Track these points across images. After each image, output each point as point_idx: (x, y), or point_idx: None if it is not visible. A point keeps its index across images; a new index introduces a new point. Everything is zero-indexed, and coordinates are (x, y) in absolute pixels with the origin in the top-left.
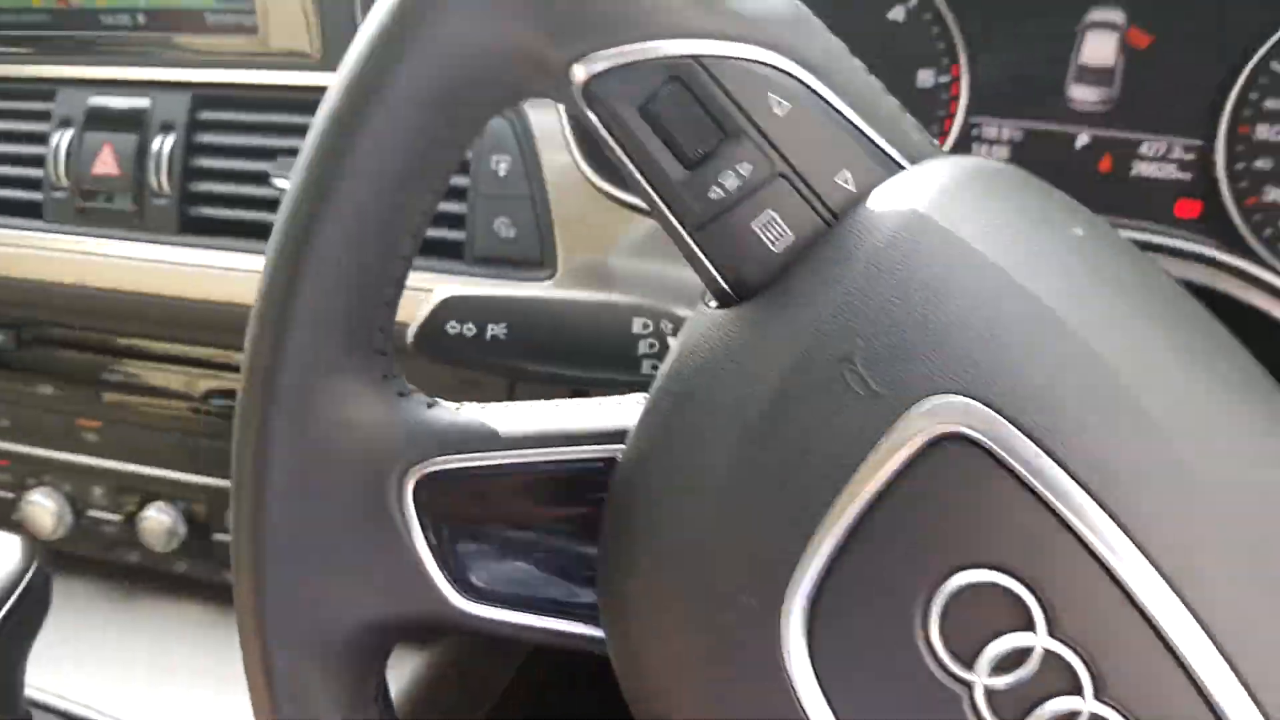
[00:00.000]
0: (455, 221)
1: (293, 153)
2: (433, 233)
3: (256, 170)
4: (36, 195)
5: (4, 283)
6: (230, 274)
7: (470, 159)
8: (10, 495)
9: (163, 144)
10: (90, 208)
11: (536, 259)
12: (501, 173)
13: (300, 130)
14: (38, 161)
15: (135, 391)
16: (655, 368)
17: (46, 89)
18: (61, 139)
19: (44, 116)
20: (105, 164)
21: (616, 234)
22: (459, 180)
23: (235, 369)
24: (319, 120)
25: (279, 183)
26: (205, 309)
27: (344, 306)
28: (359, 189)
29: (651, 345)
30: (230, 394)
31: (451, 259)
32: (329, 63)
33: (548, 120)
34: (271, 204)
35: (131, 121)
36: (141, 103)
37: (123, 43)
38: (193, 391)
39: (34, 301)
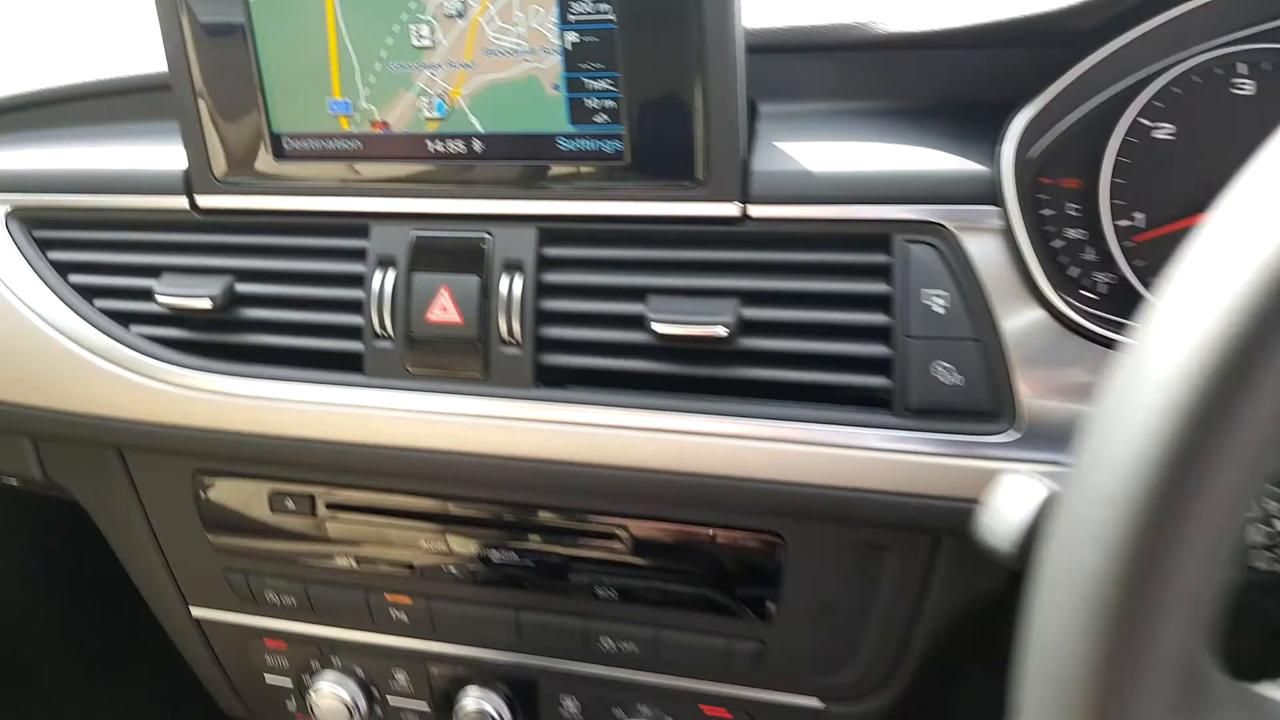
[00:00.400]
0: (872, 366)
1: (666, 292)
2: (848, 379)
3: (616, 313)
4: (355, 345)
5: (318, 446)
6: (591, 431)
7: (893, 295)
8: (287, 682)
9: (510, 285)
10: (424, 359)
11: (989, 409)
12: (938, 310)
13: (669, 267)
14: (353, 307)
15: (455, 560)
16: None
17: (358, 224)
18: (384, 281)
19: (357, 255)
20: (443, 309)
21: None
22: (863, 317)
23: (588, 534)
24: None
25: None
26: (561, 471)
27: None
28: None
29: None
30: (582, 563)
31: (874, 409)
32: (713, 192)
33: (988, 248)
34: (633, 349)
35: (470, 260)
36: (481, 238)
37: (453, 174)
38: (532, 559)
39: (351, 466)
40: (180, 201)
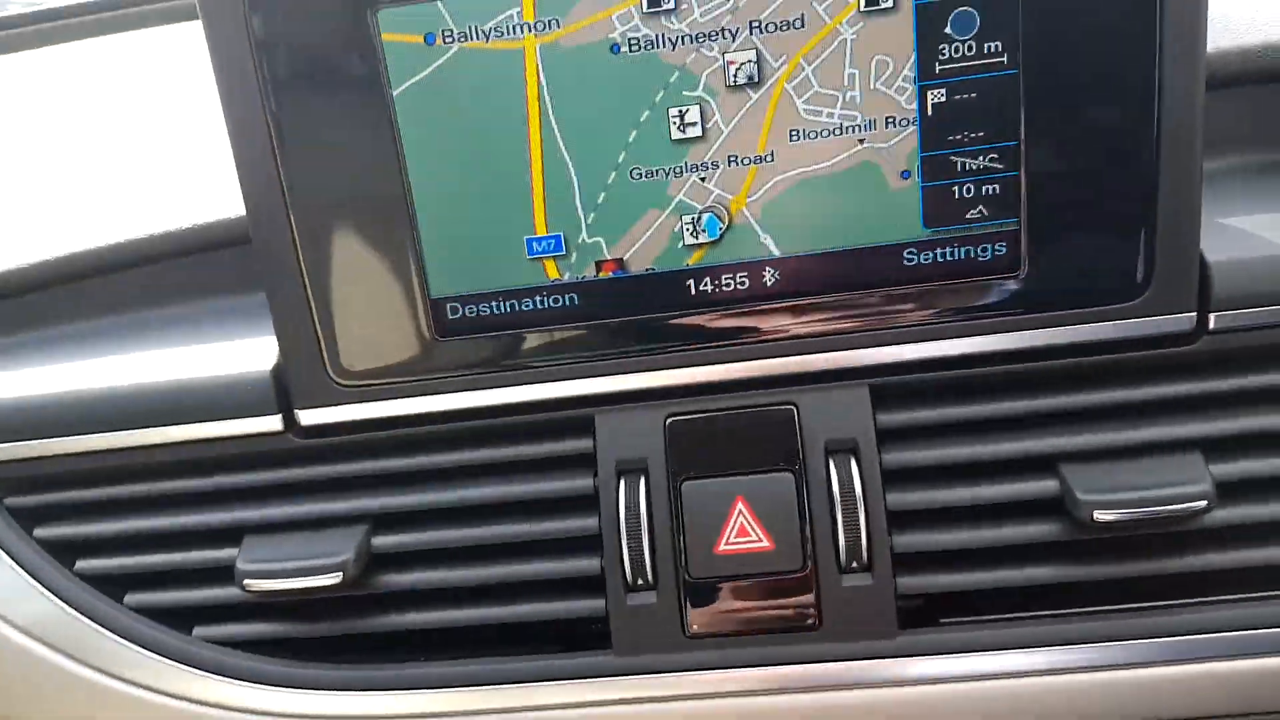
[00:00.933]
0: None
1: (1086, 457)
2: None
3: (1013, 497)
4: (594, 605)
5: None
6: (1006, 689)
7: None
8: None
9: (835, 479)
10: (715, 614)
11: None
12: None
13: (1087, 418)
14: (584, 546)
15: None
16: None
17: (577, 417)
18: (631, 498)
19: (580, 464)
20: (741, 532)
21: None
22: None
23: None
24: None
25: None
26: None
27: None
28: None
29: None
30: None
31: None
32: (1159, 302)
33: None
34: (1045, 552)
35: (772, 447)
36: (784, 411)
37: (731, 324)
38: None
39: None
40: (267, 423)
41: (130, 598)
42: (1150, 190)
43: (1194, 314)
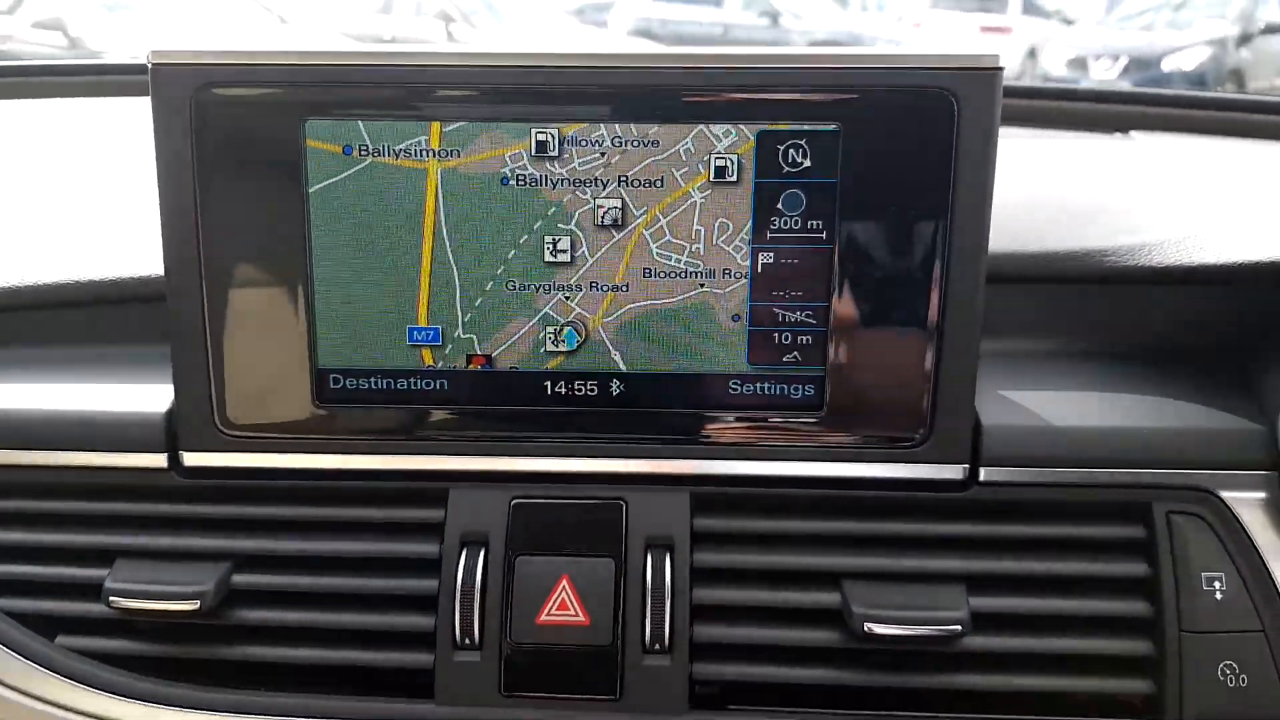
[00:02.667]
0: (1133, 668)
1: (867, 576)
2: (1104, 685)
3: (800, 605)
4: (422, 659)
5: None
6: None
7: (1155, 578)
8: None
9: (650, 570)
10: (528, 677)
11: (1277, 717)
12: (1217, 595)
13: (871, 545)
14: (421, 604)
15: None
16: None
17: (431, 489)
18: (469, 567)
19: (428, 531)
20: (562, 608)
21: None
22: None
23: None
24: None
25: None
26: None
27: None
28: None
29: None
30: None
31: None
32: (937, 452)
33: (1265, 520)
34: (823, 655)
35: (599, 536)
36: (614, 505)
37: (578, 423)
38: None
39: None
40: (153, 459)
41: (3, 602)
42: (935, 359)
43: (966, 465)
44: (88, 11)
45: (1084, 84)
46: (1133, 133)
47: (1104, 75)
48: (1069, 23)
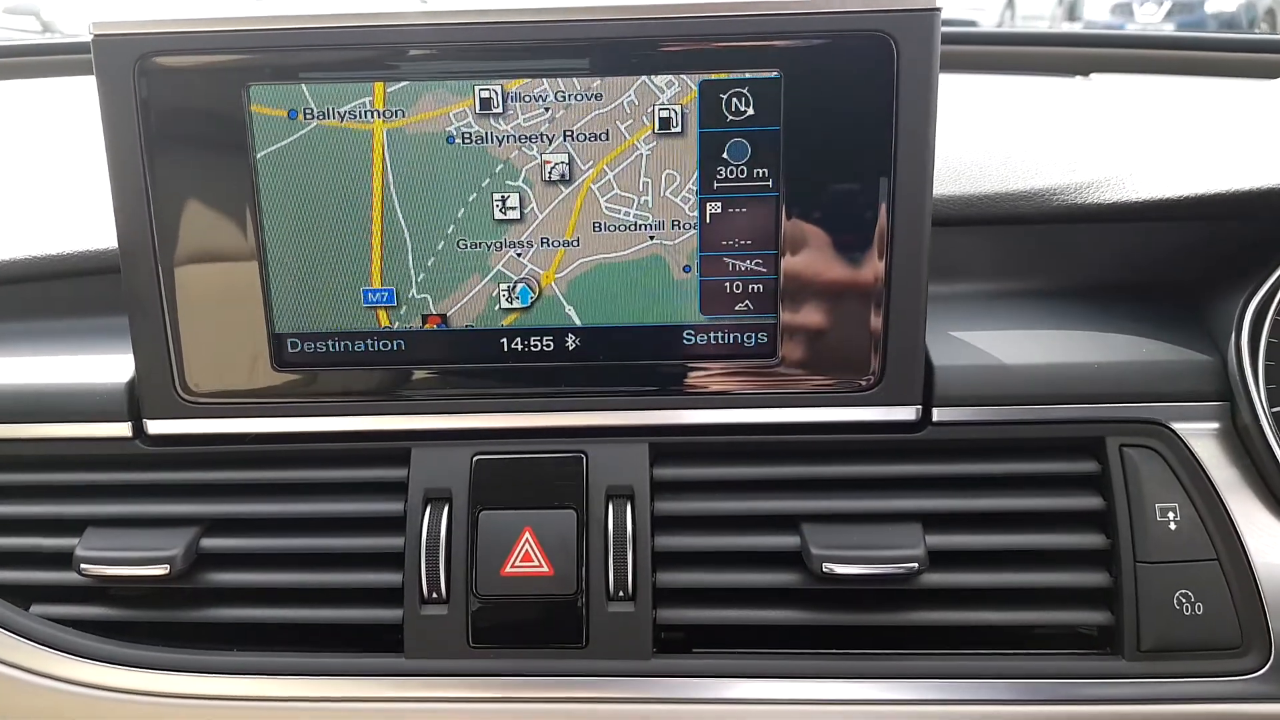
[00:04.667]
0: (1091, 599)
1: (825, 519)
2: (1062, 617)
3: (760, 548)
4: (390, 614)
5: None
6: (736, 712)
7: (1110, 511)
8: None
9: (616, 519)
10: (496, 630)
11: (1236, 641)
12: (1170, 527)
13: (827, 487)
14: (388, 561)
15: None
16: None
17: (393, 449)
18: (434, 523)
19: (392, 490)
20: (525, 558)
21: None
22: (1077, 539)
23: None
24: None
25: None
26: None
27: None
28: None
29: None
30: None
31: (1097, 654)
32: (889, 394)
33: (1218, 450)
34: (783, 596)
35: (560, 488)
36: (574, 458)
37: (534, 378)
38: None
39: None
40: (118, 428)
41: None
42: (883, 302)
43: (919, 407)
44: None
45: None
46: (1092, 75)
47: (1149, 19)
48: None
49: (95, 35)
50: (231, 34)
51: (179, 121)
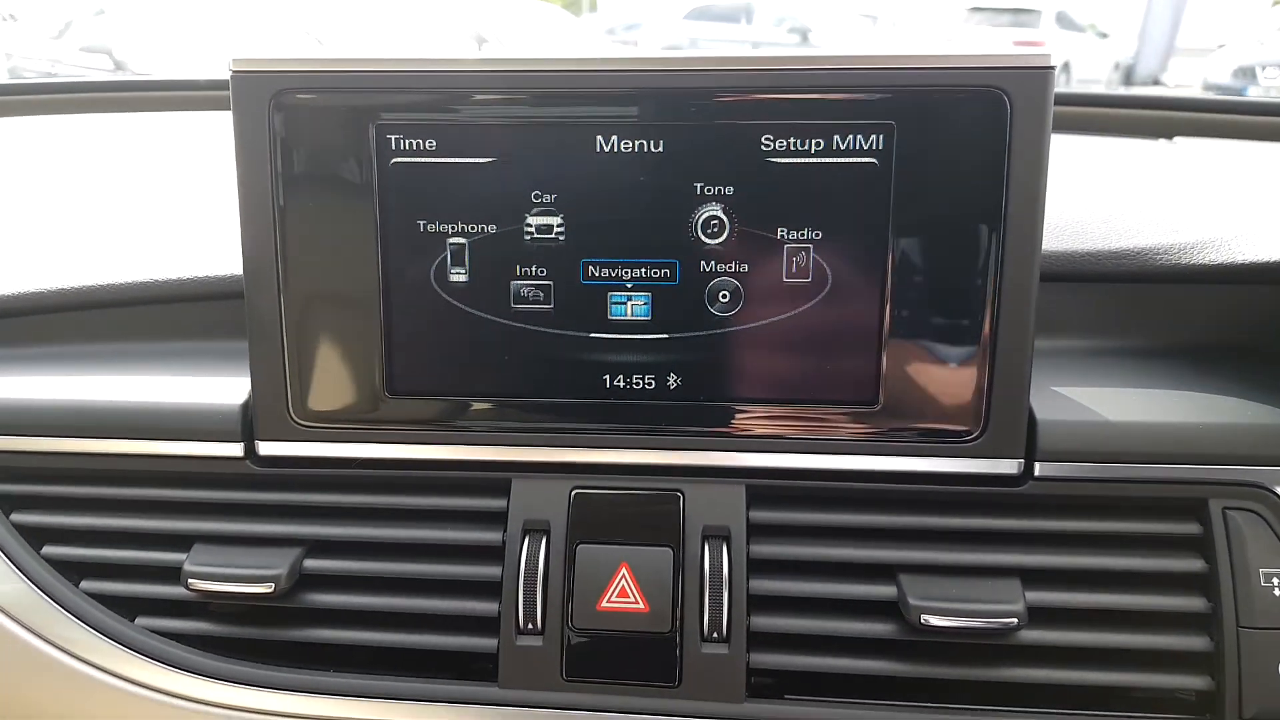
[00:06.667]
0: (1192, 664)
1: (924, 570)
2: (1162, 680)
3: (857, 597)
4: (486, 643)
5: None
6: None
7: (1212, 574)
8: None
9: (712, 560)
10: (589, 664)
11: None
12: (1276, 592)
13: (927, 538)
14: (486, 590)
15: None
16: None
17: (495, 479)
18: (532, 554)
19: (492, 520)
20: (622, 594)
21: None
22: (1179, 601)
23: None
24: None
25: None
26: None
27: None
28: None
29: None
30: None
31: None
32: (992, 446)
33: None
34: (880, 647)
35: (657, 526)
36: (672, 496)
37: (633, 415)
38: None
39: None
40: (230, 448)
41: (86, 584)
42: (988, 354)
43: (1021, 460)
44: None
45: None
46: (1176, 139)
47: (1271, 82)
48: (1103, 36)
49: (234, 71)
50: (364, 74)
51: (309, 154)
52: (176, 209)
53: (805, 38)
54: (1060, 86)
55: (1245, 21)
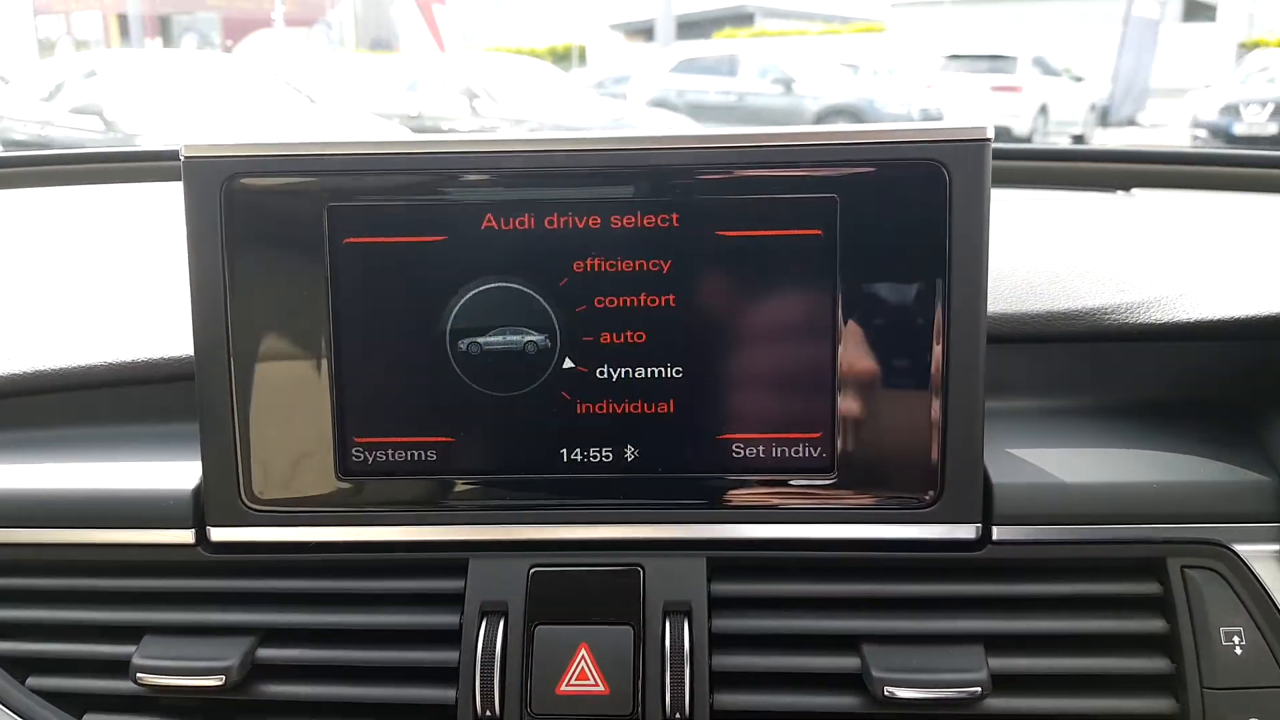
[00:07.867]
0: None
1: (885, 639)
2: None
3: (819, 670)
4: None
5: None
6: None
7: (1173, 634)
8: None
9: (669, 637)
10: None
11: None
12: (1236, 651)
13: (887, 607)
14: (442, 677)
15: None
16: None
17: (449, 560)
18: (490, 637)
19: (449, 602)
20: (582, 677)
21: None
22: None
23: None
24: None
25: None
26: None
27: None
28: None
29: None
30: None
31: None
32: (948, 511)
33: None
34: None
35: (617, 603)
36: (631, 571)
37: (590, 490)
38: None
39: None
40: (181, 535)
41: (33, 680)
42: (942, 420)
43: (979, 525)
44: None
45: (1101, 145)
46: (1134, 190)
47: (1254, 119)
48: (1078, 79)
49: (186, 157)
50: (314, 158)
51: (260, 237)
52: (132, 284)
53: (789, 88)
54: (1038, 131)
55: (1221, 63)
